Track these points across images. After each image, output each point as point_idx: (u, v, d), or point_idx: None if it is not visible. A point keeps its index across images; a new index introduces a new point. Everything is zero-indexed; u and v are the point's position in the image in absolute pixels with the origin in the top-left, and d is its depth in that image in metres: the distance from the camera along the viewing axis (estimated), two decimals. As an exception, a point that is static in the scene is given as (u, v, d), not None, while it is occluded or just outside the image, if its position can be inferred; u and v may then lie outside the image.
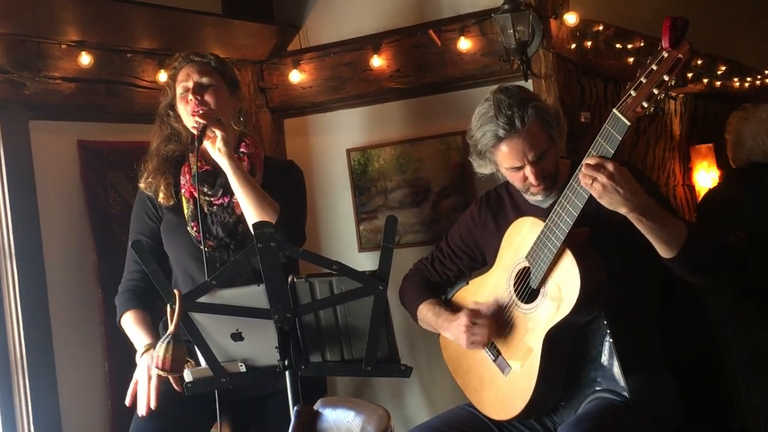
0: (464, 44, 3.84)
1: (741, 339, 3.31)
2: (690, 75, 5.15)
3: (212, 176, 2.88)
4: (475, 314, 2.74)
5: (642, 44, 4.58)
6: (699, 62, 5.18)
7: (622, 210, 2.38)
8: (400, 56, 4.00)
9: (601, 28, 4.16)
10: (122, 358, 3.59)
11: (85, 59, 3.48)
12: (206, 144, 2.77)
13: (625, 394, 2.50)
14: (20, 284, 3.28)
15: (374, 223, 4.18)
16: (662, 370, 2.72)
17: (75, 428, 3.45)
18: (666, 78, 2.26)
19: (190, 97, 2.81)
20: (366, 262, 4.13)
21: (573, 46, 3.92)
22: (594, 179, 2.36)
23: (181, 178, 2.90)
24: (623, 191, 2.34)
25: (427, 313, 2.94)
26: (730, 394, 3.33)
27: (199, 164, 2.87)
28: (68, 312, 3.48)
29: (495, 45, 3.79)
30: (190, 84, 2.84)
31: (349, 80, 4.12)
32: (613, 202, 2.37)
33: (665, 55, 2.26)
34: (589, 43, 4.08)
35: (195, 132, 2.78)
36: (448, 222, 4.01)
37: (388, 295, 2.14)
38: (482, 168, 2.77)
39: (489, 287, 2.79)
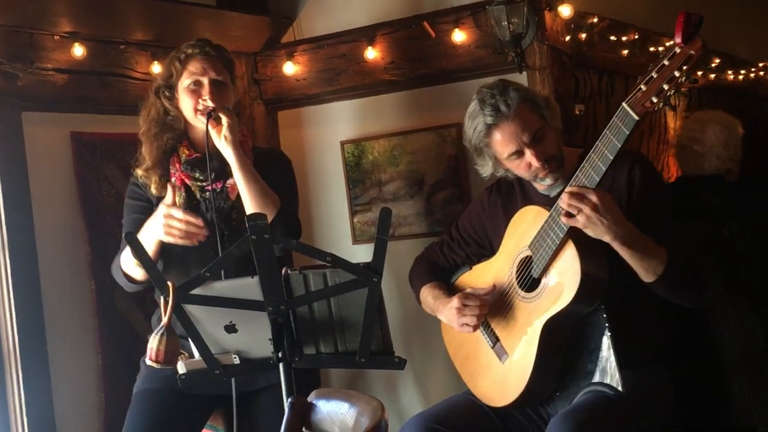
0: (459, 36, 3.84)
1: (735, 334, 3.31)
2: (684, 67, 5.14)
3: (203, 162, 2.85)
4: (466, 296, 2.76)
5: (636, 36, 4.57)
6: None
7: (606, 238, 2.41)
8: (395, 48, 4.00)
9: (595, 20, 4.15)
10: (115, 350, 3.61)
11: (78, 51, 3.47)
12: (212, 134, 2.75)
13: (619, 388, 2.50)
14: (13, 276, 3.28)
15: (368, 215, 4.18)
16: (657, 365, 2.72)
17: (68, 420, 3.45)
18: (677, 74, 2.26)
19: (206, 96, 2.80)
20: (360, 254, 4.13)
21: (567, 38, 3.92)
22: (579, 211, 2.38)
23: (171, 168, 2.88)
24: (607, 222, 2.38)
25: (427, 296, 2.96)
26: (723, 389, 3.34)
27: (188, 152, 2.87)
28: (61, 304, 3.48)
29: (489, 37, 3.78)
30: (205, 80, 2.82)
31: (343, 72, 4.11)
32: (597, 232, 2.40)
33: (677, 50, 2.26)
34: (583, 36, 4.07)
35: (202, 117, 2.78)
36: (442, 214, 4.02)
37: (383, 287, 2.14)
38: (484, 168, 2.79)
39: (491, 273, 2.80)
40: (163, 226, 2.63)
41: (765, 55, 6.48)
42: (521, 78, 3.65)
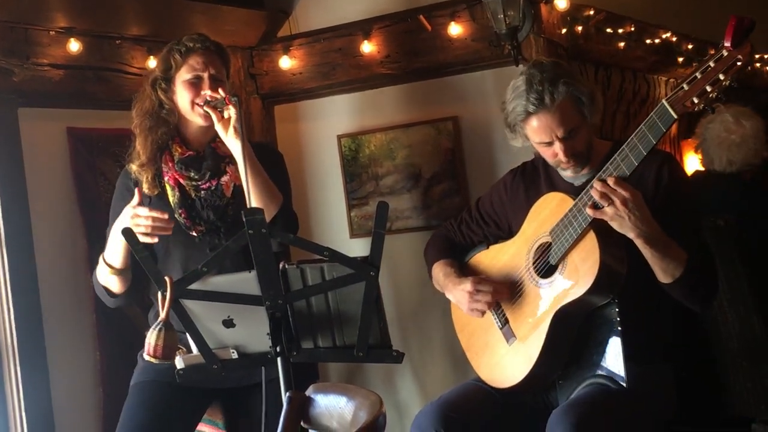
0: (455, 29, 3.83)
1: (733, 325, 3.32)
2: (680, 59, 5.15)
3: (197, 161, 2.85)
4: (480, 281, 2.76)
5: (633, 29, 4.57)
6: (690, 47, 5.18)
7: (630, 235, 2.41)
8: (391, 42, 3.99)
9: (591, 12, 4.15)
10: (113, 345, 3.61)
11: (74, 46, 3.47)
12: (218, 127, 2.73)
13: (623, 383, 2.51)
14: (10, 272, 3.28)
15: (365, 209, 4.18)
16: (664, 363, 2.72)
17: (66, 415, 3.45)
18: (721, 77, 2.24)
19: (208, 92, 2.77)
20: (357, 248, 4.14)
21: (563, 30, 3.91)
22: (609, 202, 2.38)
23: (163, 166, 2.85)
24: (634, 218, 2.37)
25: (438, 273, 2.95)
26: (720, 382, 3.34)
27: (181, 150, 2.86)
28: (59, 299, 3.48)
29: (485, 30, 3.78)
30: (205, 75, 2.81)
31: (339, 66, 4.11)
32: (623, 226, 2.40)
33: (725, 53, 2.24)
34: (579, 28, 4.07)
35: (202, 111, 2.77)
36: (439, 208, 4.02)
37: (380, 281, 2.14)
38: (513, 141, 2.78)
39: (508, 255, 2.80)
40: (131, 223, 2.62)
41: (762, 46, 6.47)
42: (517, 72, 3.65)
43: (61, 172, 3.57)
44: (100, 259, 2.83)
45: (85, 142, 3.63)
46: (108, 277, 2.83)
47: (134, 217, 2.62)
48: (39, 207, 3.42)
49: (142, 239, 2.58)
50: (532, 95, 2.60)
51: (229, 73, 2.92)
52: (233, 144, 2.72)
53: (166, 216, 2.64)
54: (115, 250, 2.78)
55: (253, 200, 2.72)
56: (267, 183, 2.77)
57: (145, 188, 2.84)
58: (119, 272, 2.80)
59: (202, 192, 2.85)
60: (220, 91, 2.74)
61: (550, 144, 2.65)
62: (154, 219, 2.61)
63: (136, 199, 2.66)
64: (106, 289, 2.86)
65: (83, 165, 3.61)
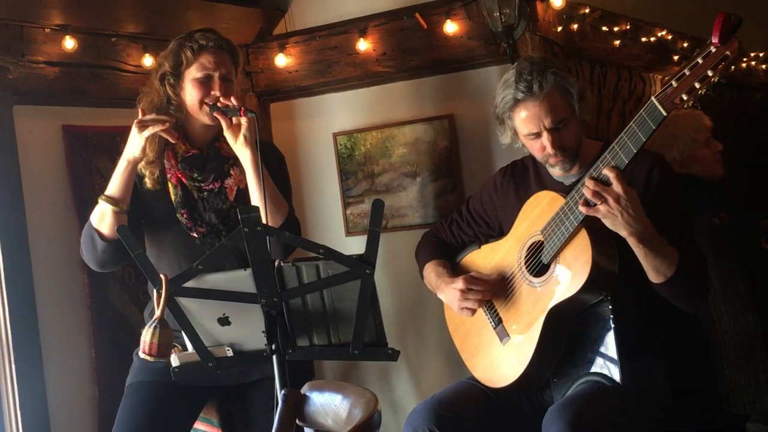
0: (450, 27, 3.84)
1: (728, 322, 3.33)
2: (676, 58, 5.15)
3: (201, 160, 2.82)
4: (472, 281, 2.76)
5: (628, 27, 4.58)
6: (685, 45, 5.18)
7: (623, 233, 2.40)
8: (387, 40, 3.99)
9: (587, 10, 4.15)
10: (109, 343, 3.60)
11: (69, 43, 3.46)
12: (227, 134, 2.70)
13: (617, 380, 2.51)
14: (5, 270, 3.28)
15: (361, 207, 4.18)
16: (658, 360, 2.73)
17: (62, 413, 3.45)
18: (710, 73, 2.25)
19: (218, 94, 2.74)
20: (353, 246, 4.14)
21: (559, 29, 3.92)
22: (601, 200, 2.38)
23: (166, 162, 2.81)
24: (627, 215, 2.37)
25: (430, 273, 2.96)
26: (715, 378, 3.35)
27: (185, 147, 2.83)
28: (54, 297, 3.47)
29: (481, 28, 3.79)
30: (216, 75, 2.77)
31: (335, 64, 4.11)
32: (615, 224, 2.40)
33: (713, 50, 2.24)
34: (575, 26, 4.07)
35: (209, 114, 2.74)
36: (434, 206, 4.02)
37: (376, 279, 2.14)
38: (503, 136, 2.79)
39: (500, 255, 2.80)
40: (137, 128, 2.63)
41: (757, 44, 6.49)
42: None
43: (57, 169, 3.56)
44: (99, 200, 2.73)
45: (81, 139, 3.63)
46: (103, 210, 2.70)
47: (140, 122, 2.64)
48: (34, 205, 3.42)
49: (151, 132, 2.63)
50: (521, 84, 2.62)
51: (237, 71, 2.88)
52: (242, 152, 2.69)
53: (173, 120, 2.69)
54: (115, 180, 2.69)
55: (260, 210, 2.70)
56: (274, 192, 2.74)
57: (149, 184, 2.80)
58: (116, 203, 2.68)
59: (205, 193, 2.82)
60: (233, 100, 2.70)
61: (538, 136, 2.65)
62: (162, 120, 2.65)
63: (140, 115, 2.67)
64: (98, 233, 2.72)
65: (79, 162, 3.61)
